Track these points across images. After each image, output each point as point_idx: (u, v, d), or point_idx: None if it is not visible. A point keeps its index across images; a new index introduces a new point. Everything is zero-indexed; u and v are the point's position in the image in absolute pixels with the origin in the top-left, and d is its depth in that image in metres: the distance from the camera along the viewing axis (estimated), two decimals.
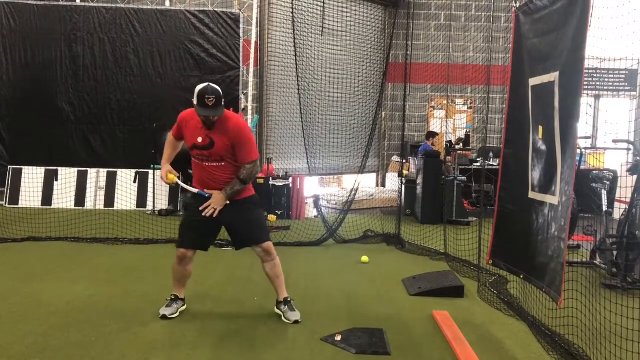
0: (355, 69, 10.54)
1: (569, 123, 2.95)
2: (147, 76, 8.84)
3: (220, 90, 3.47)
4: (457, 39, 10.88)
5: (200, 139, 3.52)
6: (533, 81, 3.45)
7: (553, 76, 3.11)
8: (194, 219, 3.64)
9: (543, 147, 3.28)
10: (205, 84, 3.51)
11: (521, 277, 3.66)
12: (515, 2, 3.98)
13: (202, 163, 3.59)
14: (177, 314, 3.74)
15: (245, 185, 3.61)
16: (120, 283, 4.54)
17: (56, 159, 8.58)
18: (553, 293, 3.06)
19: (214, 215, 3.52)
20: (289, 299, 3.79)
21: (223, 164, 3.56)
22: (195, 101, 3.42)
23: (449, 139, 10.16)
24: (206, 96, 3.37)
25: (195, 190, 3.63)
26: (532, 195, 3.45)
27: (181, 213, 8.08)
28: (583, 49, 2.82)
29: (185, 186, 3.77)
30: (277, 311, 3.80)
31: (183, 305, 3.83)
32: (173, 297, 3.78)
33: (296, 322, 3.67)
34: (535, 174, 3.43)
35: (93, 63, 8.79)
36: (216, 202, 3.53)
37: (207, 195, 3.56)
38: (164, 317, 3.66)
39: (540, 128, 3.30)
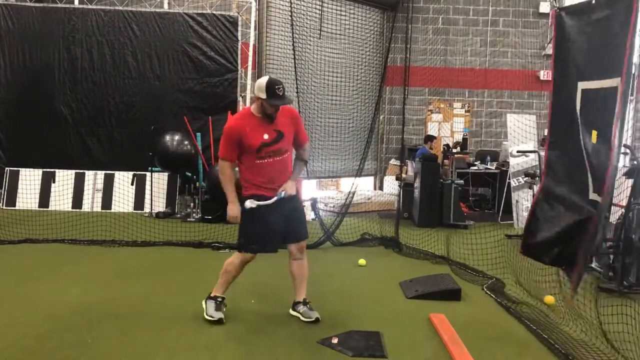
0: (354, 72, 10.56)
1: (622, 128, 2.95)
2: (145, 79, 8.84)
3: None
4: (455, 42, 10.91)
5: (266, 136, 3.50)
6: (585, 85, 3.40)
7: (615, 82, 3.06)
8: (266, 224, 3.55)
9: (597, 151, 3.23)
10: (266, 76, 3.57)
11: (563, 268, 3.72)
12: (556, 2, 3.93)
13: (271, 160, 3.53)
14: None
15: (306, 165, 3.76)
16: (117, 285, 4.53)
17: (54, 161, 8.55)
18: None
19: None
20: (307, 300, 3.82)
21: (289, 153, 3.61)
22: (263, 95, 3.40)
23: (446, 143, 10.20)
24: (276, 87, 3.42)
25: (273, 200, 3.52)
26: (592, 196, 3.42)
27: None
28: (632, 55, 2.82)
29: (261, 203, 3.50)
30: (293, 313, 3.81)
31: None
32: (220, 300, 3.76)
33: (317, 319, 3.70)
34: (593, 176, 3.39)
35: (91, 65, 8.78)
36: (292, 189, 3.56)
37: (282, 195, 3.54)
38: (220, 320, 3.64)
39: (595, 133, 3.25)
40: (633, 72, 2.88)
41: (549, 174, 3.97)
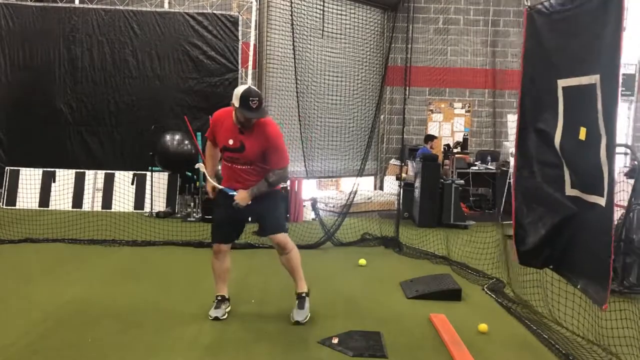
0: (354, 72, 10.56)
1: (611, 126, 2.91)
2: (145, 78, 8.83)
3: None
4: (455, 42, 10.90)
5: (231, 142, 3.54)
6: (565, 82, 3.35)
7: (594, 79, 3.02)
8: (222, 215, 3.74)
9: (586, 148, 3.16)
10: (246, 85, 3.60)
11: (551, 267, 3.66)
12: (527, 1, 3.91)
13: (231, 165, 3.62)
14: (226, 315, 3.78)
15: (272, 187, 3.66)
16: (118, 285, 4.53)
17: (54, 160, 8.55)
18: (594, 294, 3.04)
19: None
20: (303, 294, 3.79)
21: (251, 167, 3.60)
22: (237, 103, 3.39)
23: (447, 143, 10.19)
24: (250, 98, 3.37)
25: (220, 187, 3.68)
26: (571, 192, 3.37)
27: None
28: (618, 55, 2.79)
29: (213, 183, 3.74)
30: None
31: (229, 305, 3.87)
32: (220, 298, 3.82)
33: (297, 322, 3.67)
34: (573, 173, 3.36)
35: (91, 65, 8.77)
36: (240, 199, 3.55)
37: (231, 193, 3.59)
38: (216, 319, 3.70)
39: (583, 130, 3.23)
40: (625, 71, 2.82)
41: (520, 176, 3.93)
